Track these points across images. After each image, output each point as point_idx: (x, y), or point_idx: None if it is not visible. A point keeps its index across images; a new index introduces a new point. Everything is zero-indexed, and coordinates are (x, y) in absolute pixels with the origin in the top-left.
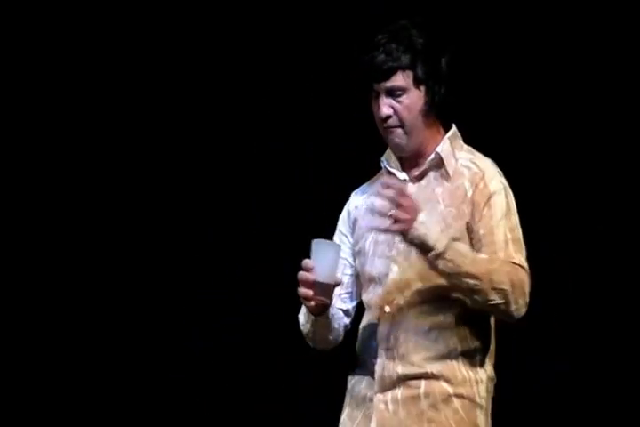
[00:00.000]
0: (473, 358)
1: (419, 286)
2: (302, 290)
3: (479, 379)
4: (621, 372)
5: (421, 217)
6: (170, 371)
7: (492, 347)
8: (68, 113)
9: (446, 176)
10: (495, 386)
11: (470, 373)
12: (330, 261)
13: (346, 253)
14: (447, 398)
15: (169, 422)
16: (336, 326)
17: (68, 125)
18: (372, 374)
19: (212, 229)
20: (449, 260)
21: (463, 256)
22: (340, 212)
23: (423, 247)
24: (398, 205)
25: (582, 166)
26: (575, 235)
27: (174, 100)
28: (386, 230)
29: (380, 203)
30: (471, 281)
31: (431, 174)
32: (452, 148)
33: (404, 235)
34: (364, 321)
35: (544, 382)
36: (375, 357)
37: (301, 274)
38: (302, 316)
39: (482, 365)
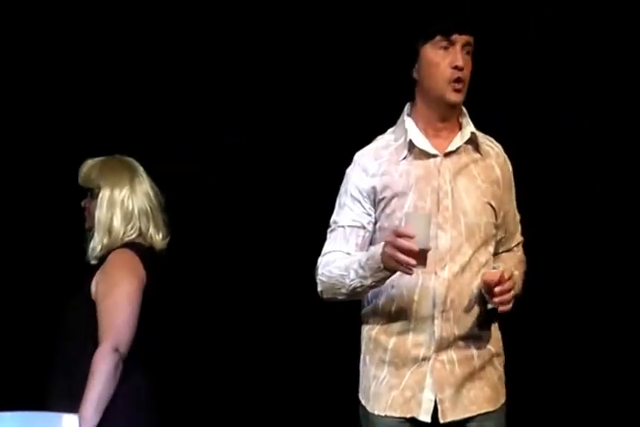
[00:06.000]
0: (494, 318)
1: (469, 253)
2: (403, 257)
3: (500, 336)
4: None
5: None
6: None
7: None
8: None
9: (478, 153)
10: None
11: (497, 332)
12: (425, 229)
13: (360, 216)
14: (491, 358)
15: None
16: None
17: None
18: (422, 334)
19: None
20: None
21: (519, 280)
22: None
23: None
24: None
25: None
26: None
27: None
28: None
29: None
30: (519, 291)
31: (462, 149)
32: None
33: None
34: (402, 283)
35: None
36: (430, 318)
37: (405, 243)
38: (356, 271)
39: (497, 323)
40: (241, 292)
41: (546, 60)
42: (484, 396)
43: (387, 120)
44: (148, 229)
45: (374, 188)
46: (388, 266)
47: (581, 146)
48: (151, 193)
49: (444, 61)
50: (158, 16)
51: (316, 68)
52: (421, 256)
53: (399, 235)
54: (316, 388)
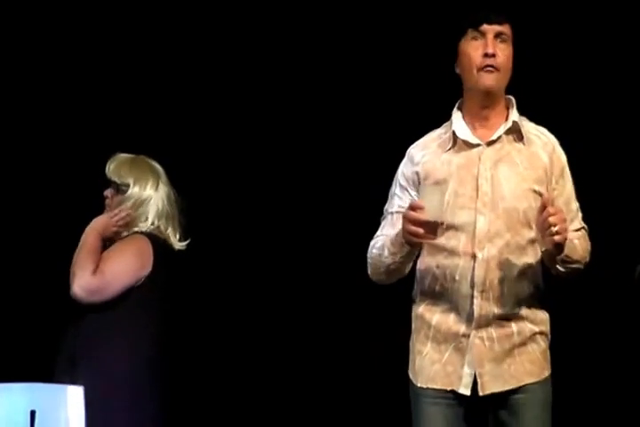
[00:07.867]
0: (542, 301)
1: (507, 236)
2: (412, 228)
3: (547, 318)
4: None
5: None
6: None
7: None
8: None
9: (521, 141)
10: None
11: (544, 314)
12: (437, 202)
13: (406, 203)
14: (533, 336)
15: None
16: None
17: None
18: (462, 312)
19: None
20: (566, 255)
21: (574, 250)
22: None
23: (560, 250)
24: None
25: None
26: None
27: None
28: (555, 244)
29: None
30: (574, 265)
31: (504, 138)
32: (519, 115)
33: (561, 244)
34: (446, 264)
35: None
36: (469, 297)
37: (411, 214)
38: (388, 248)
39: (546, 306)
40: (242, 292)
41: (546, 60)
42: (525, 370)
43: (387, 120)
44: (166, 230)
45: (417, 173)
46: (406, 239)
47: (581, 146)
48: (172, 196)
49: (475, 51)
50: (159, 17)
51: (317, 68)
52: (431, 227)
53: (411, 207)
54: (316, 388)
